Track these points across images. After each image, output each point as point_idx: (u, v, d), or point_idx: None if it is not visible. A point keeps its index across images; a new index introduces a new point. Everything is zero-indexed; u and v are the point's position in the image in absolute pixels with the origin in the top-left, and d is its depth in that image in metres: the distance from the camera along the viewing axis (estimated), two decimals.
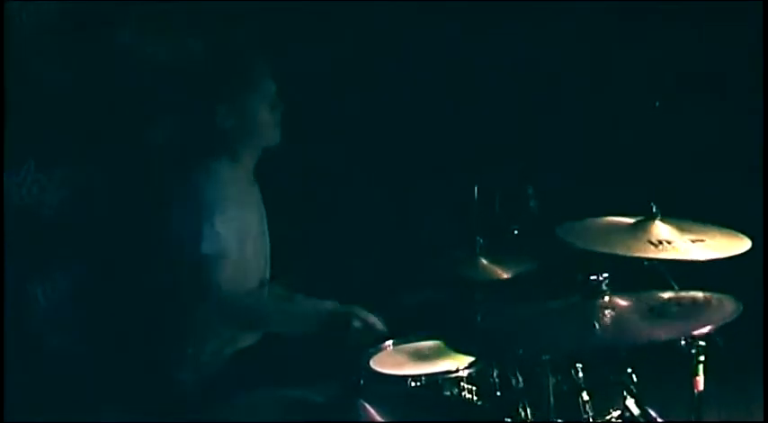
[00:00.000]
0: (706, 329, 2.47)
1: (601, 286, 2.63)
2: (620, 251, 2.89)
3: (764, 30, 4.59)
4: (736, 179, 4.76)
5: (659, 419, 3.13)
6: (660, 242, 2.89)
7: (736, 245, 2.93)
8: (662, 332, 2.46)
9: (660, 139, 4.71)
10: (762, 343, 4.27)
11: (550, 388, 3.07)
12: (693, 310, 2.55)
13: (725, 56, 4.73)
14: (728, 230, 3.04)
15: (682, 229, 2.99)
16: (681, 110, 4.73)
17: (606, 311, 2.54)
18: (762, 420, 3.94)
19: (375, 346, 3.36)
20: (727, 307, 2.53)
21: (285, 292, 3.65)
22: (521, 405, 3.16)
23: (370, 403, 2.49)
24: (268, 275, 3.64)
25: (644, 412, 3.14)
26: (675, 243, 2.89)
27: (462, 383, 3.13)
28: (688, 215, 3.10)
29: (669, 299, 2.64)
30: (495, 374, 3.22)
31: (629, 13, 4.75)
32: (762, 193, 4.63)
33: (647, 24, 4.78)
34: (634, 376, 3.15)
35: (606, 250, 2.92)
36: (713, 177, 4.77)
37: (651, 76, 4.79)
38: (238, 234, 3.36)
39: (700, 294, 2.67)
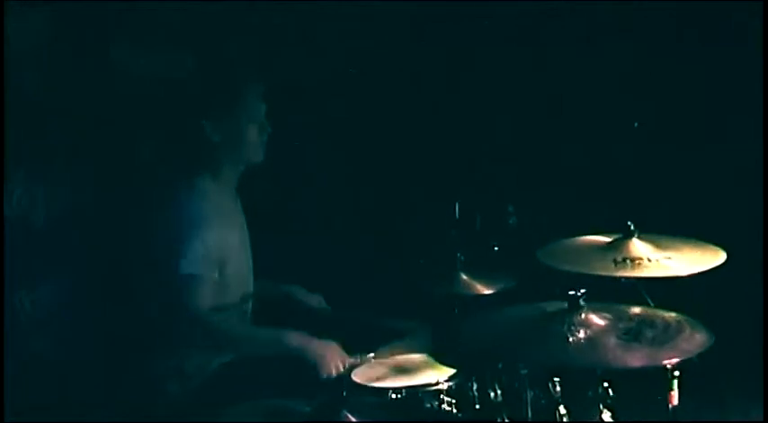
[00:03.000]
0: (677, 360, 2.51)
1: (578, 302, 2.68)
2: (590, 271, 2.95)
3: (764, 31, 4.63)
4: (717, 197, 4.81)
5: None
6: (624, 260, 2.95)
7: (709, 259, 2.99)
8: (635, 359, 2.49)
9: (640, 158, 4.76)
10: (738, 356, 4.30)
11: (528, 401, 3.12)
12: (667, 336, 2.58)
13: (708, 71, 4.79)
14: (705, 245, 3.11)
15: (659, 247, 3.05)
16: (661, 129, 4.78)
17: (581, 329, 2.58)
18: (762, 420, 4.00)
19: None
20: (700, 336, 2.57)
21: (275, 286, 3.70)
22: (499, 418, 3.19)
23: (352, 414, 2.53)
24: (251, 289, 3.67)
25: None
26: (642, 261, 2.95)
27: (442, 396, 3.16)
28: (666, 232, 3.16)
29: (643, 320, 2.68)
30: (474, 388, 3.26)
31: (607, 34, 4.80)
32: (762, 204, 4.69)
33: (626, 44, 4.83)
34: (610, 390, 3.18)
35: (575, 270, 2.98)
36: (694, 196, 4.82)
37: (631, 95, 4.83)
38: (219, 252, 3.38)
39: (673, 317, 2.71)
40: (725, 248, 3.06)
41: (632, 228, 3.08)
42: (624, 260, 2.95)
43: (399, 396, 3.12)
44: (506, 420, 3.17)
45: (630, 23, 4.74)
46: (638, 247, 3.03)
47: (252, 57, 4.38)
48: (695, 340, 2.54)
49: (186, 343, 3.40)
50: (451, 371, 3.23)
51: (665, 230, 3.15)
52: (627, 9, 4.69)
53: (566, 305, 2.69)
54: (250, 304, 3.62)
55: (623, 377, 2.98)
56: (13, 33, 3.55)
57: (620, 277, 2.98)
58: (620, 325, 2.62)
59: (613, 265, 2.94)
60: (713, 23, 4.68)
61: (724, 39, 4.69)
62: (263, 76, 3.70)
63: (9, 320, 3.52)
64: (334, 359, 3.36)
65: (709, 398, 4.17)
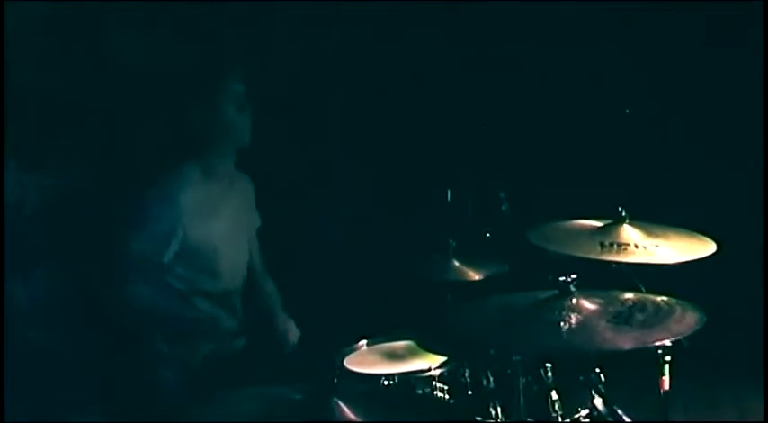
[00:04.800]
0: (668, 341, 2.52)
1: (569, 287, 2.68)
2: (576, 253, 2.96)
3: (764, 30, 4.65)
4: (707, 183, 4.83)
5: (626, 418, 3.17)
6: (611, 244, 2.96)
7: (699, 248, 3.00)
8: (626, 341, 2.49)
9: (636, 147, 4.78)
10: (729, 343, 4.31)
11: (520, 387, 3.13)
12: (658, 319, 2.59)
13: (698, 59, 4.80)
14: (695, 234, 3.11)
15: (649, 233, 3.05)
16: (653, 115, 4.79)
17: (572, 314, 2.59)
18: (762, 420, 4.02)
19: None
20: (690, 318, 2.57)
21: None
22: (491, 404, 3.20)
23: (343, 401, 2.53)
24: (240, 284, 3.67)
25: (611, 411, 3.19)
26: (629, 247, 2.95)
27: (434, 383, 3.17)
28: (658, 219, 3.16)
29: (634, 304, 2.68)
30: (466, 374, 3.27)
31: (602, 22, 4.80)
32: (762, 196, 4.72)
33: (620, 31, 4.84)
34: (602, 376, 3.20)
35: (562, 251, 2.99)
36: (684, 181, 4.83)
37: (623, 81, 4.85)
38: (214, 235, 3.38)
39: (664, 300, 2.72)
40: (720, 236, 3.06)
41: (623, 213, 3.09)
42: (611, 244, 2.96)
43: (392, 383, 3.13)
44: (498, 406, 3.18)
45: (630, 19, 4.77)
46: (627, 232, 3.03)
47: (235, 44, 4.37)
48: (686, 322, 2.54)
49: (176, 327, 3.41)
50: (443, 357, 3.23)
51: (660, 218, 3.16)
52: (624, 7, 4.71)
53: (557, 292, 2.70)
54: (239, 298, 3.62)
55: (615, 362, 2.99)
56: (9, 22, 3.54)
57: (612, 263, 2.99)
58: (611, 309, 2.62)
59: (599, 249, 2.95)
60: (709, 16, 4.71)
61: (721, 31, 4.72)
62: (245, 61, 3.69)
63: (4, 310, 3.51)
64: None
65: (701, 382, 4.20)
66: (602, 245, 2.97)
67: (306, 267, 4.14)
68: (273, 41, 4.57)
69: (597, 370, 3.20)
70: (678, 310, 2.63)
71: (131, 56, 3.97)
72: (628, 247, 2.95)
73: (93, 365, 3.67)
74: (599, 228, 3.12)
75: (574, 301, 2.65)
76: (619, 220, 3.08)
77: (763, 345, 4.55)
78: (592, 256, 2.93)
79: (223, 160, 3.54)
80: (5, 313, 3.50)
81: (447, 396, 3.18)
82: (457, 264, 3.65)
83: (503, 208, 3.85)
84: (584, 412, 3.18)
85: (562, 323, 2.56)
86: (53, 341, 3.70)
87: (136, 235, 3.40)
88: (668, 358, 2.78)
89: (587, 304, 2.64)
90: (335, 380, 2.60)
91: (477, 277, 3.59)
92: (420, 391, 3.16)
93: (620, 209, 3.09)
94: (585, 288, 2.72)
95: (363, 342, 3.48)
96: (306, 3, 4.59)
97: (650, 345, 2.52)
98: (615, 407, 3.20)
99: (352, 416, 2.51)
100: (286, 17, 4.57)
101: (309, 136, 4.72)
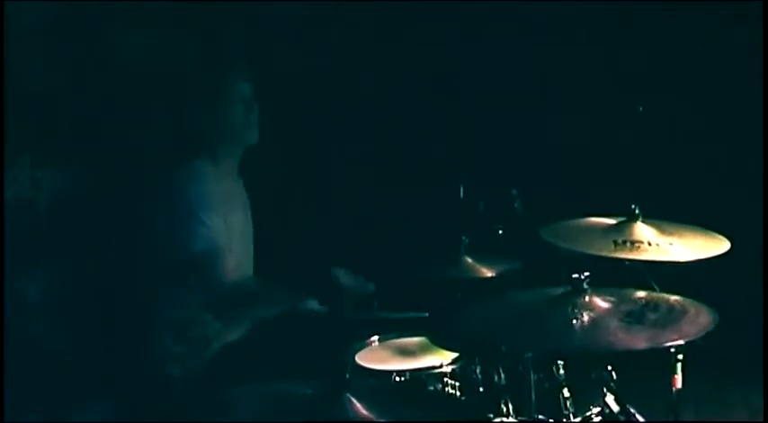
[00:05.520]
0: (681, 342, 2.50)
1: (582, 285, 2.68)
2: (589, 251, 2.95)
3: (764, 30, 4.64)
4: (721, 182, 4.82)
5: (638, 416, 3.17)
6: (624, 242, 2.95)
7: (713, 246, 2.99)
8: (638, 341, 2.48)
9: (649, 145, 4.77)
10: (739, 343, 4.30)
11: (532, 384, 3.13)
12: (671, 319, 2.58)
13: (709, 59, 4.79)
14: (709, 232, 3.11)
15: (662, 231, 3.05)
16: (665, 113, 4.78)
17: (585, 312, 2.58)
18: (762, 420, 4.01)
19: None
20: (703, 319, 2.55)
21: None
22: (503, 401, 3.20)
23: (355, 397, 2.53)
24: (251, 272, 3.67)
25: (623, 409, 3.18)
26: (642, 245, 2.95)
27: (446, 379, 3.17)
28: (671, 217, 3.16)
29: (647, 304, 2.67)
30: (477, 371, 3.26)
31: (613, 19, 4.79)
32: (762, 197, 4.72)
33: (631, 29, 4.83)
34: (614, 374, 3.19)
35: (575, 249, 2.99)
36: (698, 179, 4.83)
37: (636, 79, 4.84)
38: (225, 231, 3.39)
39: (677, 300, 2.71)
40: (730, 235, 3.06)
41: (636, 211, 3.08)
42: (624, 242, 2.96)
43: (403, 379, 3.13)
44: (510, 403, 3.17)
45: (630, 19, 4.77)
46: (641, 230, 3.03)
47: (240, 43, 4.38)
48: (699, 323, 2.53)
49: (201, 317, 3.42)
50: (455, 354, 3.23)
51: (673, 216, 3.15)
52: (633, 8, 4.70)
53: (569, 289, 2.69)
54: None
55: (627, 360, 2.99)
56: (15, 18, 3.54)
57: (625, 261, 2.98)
58: (624, 308, 2.61)
59: (613, 246, 2.94)
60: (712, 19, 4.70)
61: (725, 33, 4.72)
62: (250, 58, 3.69)
63: (12, 308, 3.52)
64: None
65: (712, 381, 4.19)
66: (615, 242, 2.97)
67: (319, 265, 4.13)
68: (274, 41, 4.57)
69: (609, 368, 3.20)
70: (691, 310, 2.62)
71: (131, 55, 3.98)
72: (641, 245, 2.94)
73: (100, 363, 3.68)
74: (612, 225, 3.12)
75: (586, 298, 2.64)
76: (632, 218, 3.08)
77: (763, 345, 4.54)
78: (605, 253, 2.93)
79: (232, 158, 3.55)
80: (15, 311, 3.51)
81: (458, 393, 3.18)
82: (469, 260, 3.64)
83: (515, 205, 3.84)
84: (596, 410, 3.19)
85: (574, 321, 2.56)
86: (60, 339, 3.71)
87: (149, 231, 3.41)
88: (680, 357, 2.77)
89: (600, 302, 2.64)
90: (347, 375, 2.60)
91: (489, 274, 3.58)
92: (431, 388, 3.15)
93: (633, 206, 3.09)
94: (598, 286, 2.71)
95: (375, 338, 3.48)
96: (306, 3, 4.59)
97: (662, 345, 2.51)
98: (627, 405, 3.20)
99: (363, 411, 2.50)
100: (286, 17, 4.57)
101: (309, 136, 4.73)
